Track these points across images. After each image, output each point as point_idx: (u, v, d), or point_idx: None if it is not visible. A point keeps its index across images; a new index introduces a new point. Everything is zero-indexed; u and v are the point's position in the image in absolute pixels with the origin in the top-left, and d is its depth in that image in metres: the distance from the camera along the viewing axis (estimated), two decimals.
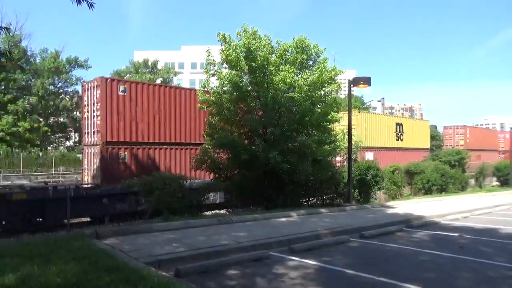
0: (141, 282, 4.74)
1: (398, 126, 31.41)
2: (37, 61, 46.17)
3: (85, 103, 16.14)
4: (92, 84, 15.58)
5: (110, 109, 15.02)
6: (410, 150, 31.23)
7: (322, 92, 15.03)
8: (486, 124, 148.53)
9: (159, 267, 5.99)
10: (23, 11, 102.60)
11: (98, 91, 15.10)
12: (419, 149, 32.84)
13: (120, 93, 15.19)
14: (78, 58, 47.86)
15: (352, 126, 15.48)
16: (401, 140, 31.38)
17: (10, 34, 37.74)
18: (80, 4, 5.85)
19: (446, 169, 24.45)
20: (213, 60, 15.02)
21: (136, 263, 5.88)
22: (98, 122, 15.12)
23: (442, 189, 23.20)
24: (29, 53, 45.04)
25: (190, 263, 6.27)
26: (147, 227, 8.85)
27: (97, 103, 15.21)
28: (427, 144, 35.54)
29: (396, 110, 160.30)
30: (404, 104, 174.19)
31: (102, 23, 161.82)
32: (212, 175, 15.55)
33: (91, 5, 5.93)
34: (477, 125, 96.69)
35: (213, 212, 14.20)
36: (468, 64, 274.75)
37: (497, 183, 32.33)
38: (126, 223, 10.27)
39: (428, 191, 22.86)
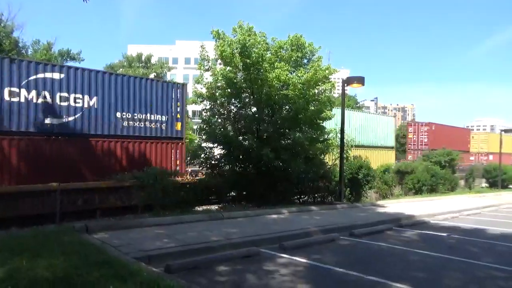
0: (130, 278, 4.72)
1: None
2: (29, 52, 45.59)
3: None
4: None
5: None
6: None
7: (316, 91, 15.05)
8: (477, 126, 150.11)
9: (149, 263, 5.97)
10: (15, 1, 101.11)
11: None
12: None
13: None
14: (70, 51, 47.38)
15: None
16: None
17: (2, 24, 37.22)
18: None
19: (437, 170, 24.60)
20: (207, 56, 14.95)
21: (126, 258, 5.86)
22: None
23: (432, 189, 23.36)
24: (20, 44, 44.45)
25: (180, 259, 6.26)
26: (138, 222, 8.82)
27: None
28: None
29: (388, 110, 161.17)
30: (397, 104, 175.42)
31: (96, 15, 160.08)
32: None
33: None
34: (468, 126, 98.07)
35: (205, 208, 14.18)
36: (460, 66, 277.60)
37: (486, 184, 32.68)
38: (116, 217, 10.22)
39: (418, 191, 23.00)
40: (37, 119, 12.18)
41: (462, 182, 29.41)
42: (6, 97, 11.65)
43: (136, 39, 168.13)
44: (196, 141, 17.73)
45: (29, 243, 6.17)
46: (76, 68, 13.59)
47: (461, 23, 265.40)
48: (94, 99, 13.37)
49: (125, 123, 14.10)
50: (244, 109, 14.83)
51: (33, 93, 12.12)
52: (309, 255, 7.18)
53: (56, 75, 12.60)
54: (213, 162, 15.05)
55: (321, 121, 15.11)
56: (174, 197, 12.34)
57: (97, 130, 13.44)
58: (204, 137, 14.93)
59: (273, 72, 13.65)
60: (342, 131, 15.47)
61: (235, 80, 14.24)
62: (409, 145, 36.61)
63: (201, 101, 15.13)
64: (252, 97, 14.52)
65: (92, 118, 13.33)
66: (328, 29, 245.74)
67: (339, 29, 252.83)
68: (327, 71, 14.75)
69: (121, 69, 53.29)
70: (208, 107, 15.00)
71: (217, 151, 15.39)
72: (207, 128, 14.67)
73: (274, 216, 11.06)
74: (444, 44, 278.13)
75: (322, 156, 16.42)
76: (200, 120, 15.43)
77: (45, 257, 5.32)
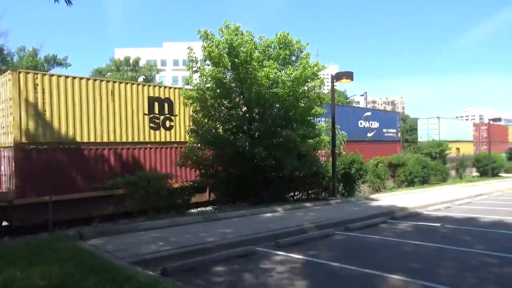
0: (127, 282, 4.70)
1: None
2: (15, 59, 45.04)
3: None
4: None
5: None
6: None
7: (306, 88, 15.08)
8: (466, 116, 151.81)
9: (145, 266, 5.94)
10: None
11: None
12: None
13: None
14: (57, 56, 46.93)
15: None
16: None
17: None
18: (57, 1, 5.69)
19: (428, 161, 24.82)
20: (195, 57, 14.89)
21: (121, 263, 5.83)
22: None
23: (424, 181, 23.58)
24: (5, 51, 43.90)
25: (176, 261, 6.24)
26: (132, 226, 8.77)
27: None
28: None
29: (378, 104, 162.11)
30: (386, 98, 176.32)
31: (81, 20, 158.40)
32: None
33: (69, 2, 5.77)
34: (457, 117, 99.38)
35: (199, 209, 14.16)
36: (447, 58, 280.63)
37: (477, 173, 33.07)
38: (110, 223, 10.16)
39: (410, 183, 23.20)
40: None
41: (453, 172, 29.74)
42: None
43: (123, 43, 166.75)
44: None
45: (22, 251, 6.11)
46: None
47: (446, 15, 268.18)
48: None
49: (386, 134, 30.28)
50: (234, 109, 14.80)
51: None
52: (305, 251, 7.22)
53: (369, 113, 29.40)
54: (205, 163, 15.00)
55: (312, 118, 15.16)
56: (168, 200, 12.31)
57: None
58: (195, 139, 14.87)
59: (262, 70, 13.63)
60: (333, 126, 15.54)
61: (224, 80, 14.21)
62: (474, 140, 48.53)
63: (191, 103, 15.06)
64: (242, 96, 14.50)
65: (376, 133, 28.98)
66: (315, 25, 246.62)
67: (325, 25, 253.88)
68: (315, 68, 14.78)
69: (109, 73, 52.89)
70: (198, 108, 14.93)
71: (209, 152, 15.34)
72: (198, 130, 14.62)
73: (269, 214, 11.09)
74: (430, 36, 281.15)
75: (315, 152, 16.47)
76: (191, 122, 15.40)
77: (39, 265, 5.28)
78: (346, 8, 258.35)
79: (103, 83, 14.58)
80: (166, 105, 16.29)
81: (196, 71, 15.01)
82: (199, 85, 14.80)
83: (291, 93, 13.83)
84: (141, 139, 15.36)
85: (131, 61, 56.27)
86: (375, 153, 25.21)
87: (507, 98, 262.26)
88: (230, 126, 14.88)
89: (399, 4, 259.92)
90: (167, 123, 16.29)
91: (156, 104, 15.95)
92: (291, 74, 14.14)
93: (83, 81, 14.01)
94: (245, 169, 14.24)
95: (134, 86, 15.58)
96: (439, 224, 10.10)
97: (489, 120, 37.22)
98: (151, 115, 15.76)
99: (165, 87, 16.84)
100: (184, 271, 5.89)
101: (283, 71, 14.47)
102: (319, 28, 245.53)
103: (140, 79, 53.15)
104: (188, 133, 15.47)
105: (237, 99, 14.67)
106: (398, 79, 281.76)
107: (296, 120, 14.58)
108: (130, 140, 15.00)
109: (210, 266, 6.20)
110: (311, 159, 15.46)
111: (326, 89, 48.40)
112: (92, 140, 13.93)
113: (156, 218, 9.86)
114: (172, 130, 16.38)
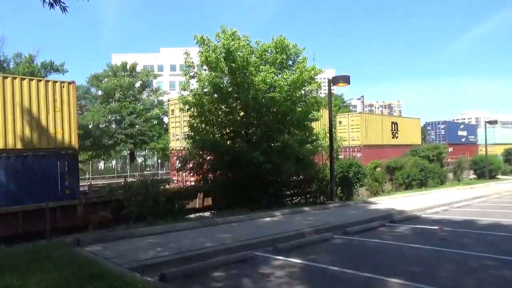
0: None
1: None
2: (11, 66, 44.94)
3: None
4: None
5: None
6: None
7: (303, 92, 15.12)
8: (462, 119, 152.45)
9: (143, 273, 5.91)
10: None
11: None
12: None
13: None
14: (53, 63, 46.83)
15: None
16: None
17: None
18: (52, 7, 5.69)
19: (425, 164, 24.85)
20: (192, 62, 14.91)
21: (119, 269, 5.79)
22: None
23: (422, 184, 23.60)
24: (1, 58, 43.83)
25: (175, 267, 6.21)
26: (130, 232, 8.73)
27: None
28: None
29: (375, 108, 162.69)
30: (383, 102, 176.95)
31: (78, 26, 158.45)
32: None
33: (64, 9, 5.77)
34: (453, 119, 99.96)
35: (197, 215, 14.11)
36: (442, 61, 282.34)
37: (474, 176, 33.15)
38: (108, 229, 10.10)
39: (408, 186, 23.21)
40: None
41: (450, 175, 29.79)
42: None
43: (120, 48, 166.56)
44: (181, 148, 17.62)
45: (19, 259, 6.07)
46: None
47: (441, 18, 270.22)
48: None
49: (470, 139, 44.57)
50: (231, 114, 14.81)
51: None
52: (304, 255, 7.20)
53: (462, 126, 47.17)
54: (203, 168, 14.98)
55: (309, 122, 15.19)
56: (166, 206, 12.27)
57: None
58: (192, 144, 14.86)
59: (259, 75, 13.67)
60: (330, 131, 15.55)
61: (221, 85, 14.22)
62: None
63: (188, 109, 15.06)
64: (239, 101, 14.51)
65: (465, 139, 43.71)
66: (311, 29, 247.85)
67: (322, 29, 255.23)
68: (312, 72, 14.82)
69: (106, 79, 52.83)
70: (195, 113, 14.94)
71: (207, 157, 15.32)
72: (195, 135, 14.62)
73: (268, 219, 11.06)
74: (425, 40, 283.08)
75: (312, 156, 16.48)
76: (188, 127, 15.39)
77: (36, 273, 5.23)
78: (343, 13, 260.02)
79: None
80: None
81: (192, 77, 15.03)
82: (196, 90, 14.82)
83: (288, 98, 13.86)
84: None
85: (128, 67, 56.22)
86: (466, 151, 38.93)
87: (504, 100, 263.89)
88: (228, 131, 14.89)
89: (395, 9, 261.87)
90: None
91: None
92: (288, 78, 14.18)
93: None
94: (243, 173, 14.23)
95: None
96: (437, 227, 10.10)
97: (485, 122, 37.37)
98: None
99: None
100: (183, 277, 5.86)
101: (280, 76, 14.50)
102: (316, 32, 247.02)
103: (137, 84, 53.08)
104: (186, 139, 15.46)
105: (234, 104, 14.69)
106: (395, 82, 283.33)
107: (293, 125, 14.61)
108: None
109: (209, 271, 6.17)
110: (309, 164, 15.47)
111: (323, 93, 48.55)
112: None
113: (154, 224, 9.81)
114: None
